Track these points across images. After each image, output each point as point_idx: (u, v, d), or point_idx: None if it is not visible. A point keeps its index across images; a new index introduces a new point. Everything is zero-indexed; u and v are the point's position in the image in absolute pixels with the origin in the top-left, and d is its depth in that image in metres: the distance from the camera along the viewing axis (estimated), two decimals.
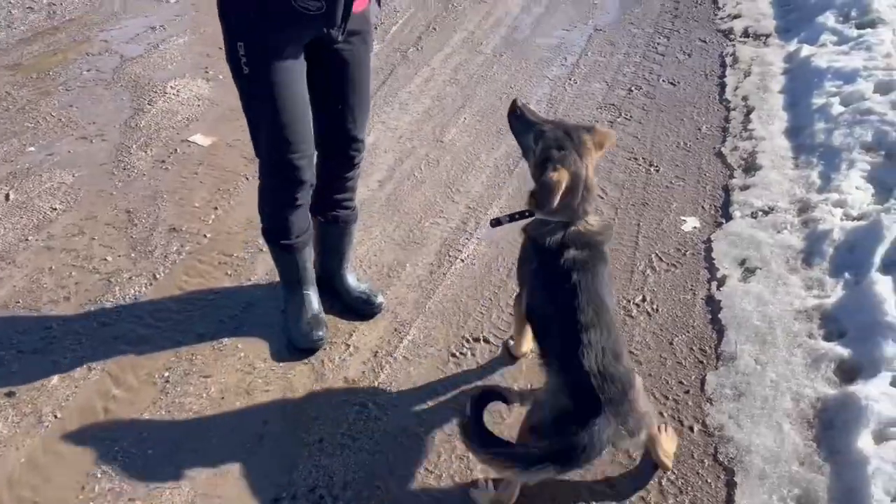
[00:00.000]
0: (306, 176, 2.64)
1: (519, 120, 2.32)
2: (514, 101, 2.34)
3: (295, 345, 2.89)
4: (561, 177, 2.12)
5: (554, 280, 2.21)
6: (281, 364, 2.84)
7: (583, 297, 2.15)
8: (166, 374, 2.79)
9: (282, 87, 2.41)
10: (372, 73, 2.72)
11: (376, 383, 2.76)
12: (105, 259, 3.36)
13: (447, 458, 2.47)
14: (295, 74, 2.43)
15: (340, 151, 2.80)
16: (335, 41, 2.44)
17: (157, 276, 3.26)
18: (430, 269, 3.33)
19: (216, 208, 3.71)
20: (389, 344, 2.93)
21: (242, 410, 2.66)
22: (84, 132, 4.35)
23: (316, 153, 2.68)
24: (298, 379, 2.77)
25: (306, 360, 2.84)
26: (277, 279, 3.22)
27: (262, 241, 3.41)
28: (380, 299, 3.06)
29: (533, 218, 2.33)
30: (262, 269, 3.30)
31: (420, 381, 2.77)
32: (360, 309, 3.05)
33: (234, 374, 2.79)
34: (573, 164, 2.16)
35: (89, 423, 2.60)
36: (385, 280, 3.25)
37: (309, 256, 2.91)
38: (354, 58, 2.56)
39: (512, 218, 2.40)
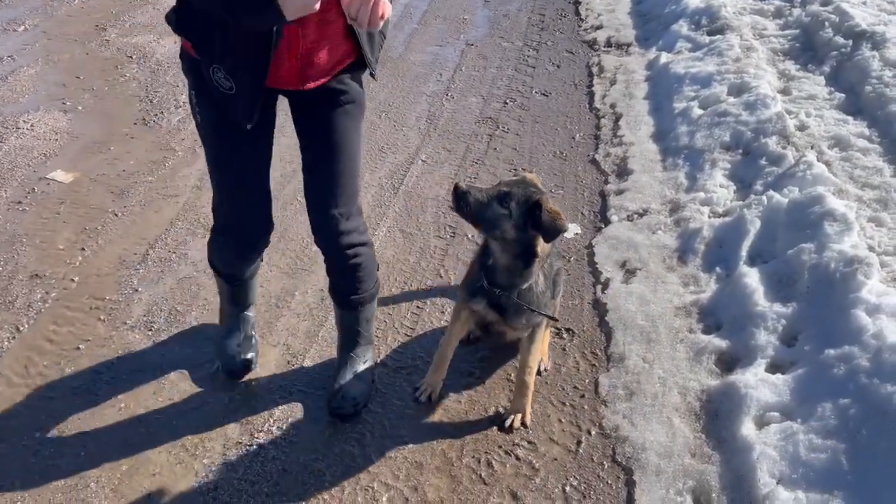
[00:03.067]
0: (247, 243, 2.60)
1: (472, 200, 2.23)
2: (457, 186, 2.24)
3: (223, 366, 2.78)
4: (558, 209, 2.24)
5: None
6: (166, 411, 2.67)
7: None
8: (37, 434, 2.57)
9: (221, 153, 2.37)
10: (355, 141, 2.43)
11: (272, 421, 2.65)
12: None
13: (352, 492, 2.40)
14: (237, 144, 2.31)
15: (319, 233, 2.52)
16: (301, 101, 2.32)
17: (21, 328, 3.01)
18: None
19: (83, 249, 3.46)
20: (283, 378, 2.82)
21: (127, 465, 2.48)
22: None
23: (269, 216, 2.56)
24: (187, 424, 2.62)
25: (195, 404, 2.69)
26: (155, 319, 3.06)
27: (136, 280, 3.25)
28: (352, 399, 2.68)
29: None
30: (139, 310, 3.10)
31: (318, 415, 2.68)
32: (331, 406, 2.69)
33: (115, 427, 2.60)
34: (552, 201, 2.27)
35: None
36: (274, 311, 3.14)
37: (253, 285, 2.84)
38: (323, 121, 2.34)
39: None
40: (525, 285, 2.41)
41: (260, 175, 2.46)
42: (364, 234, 2.59)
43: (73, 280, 3.27)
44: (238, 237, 2.58)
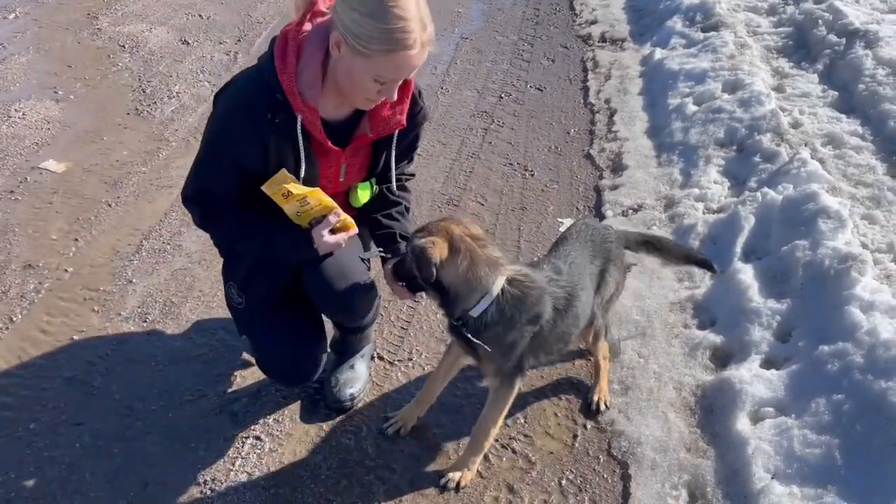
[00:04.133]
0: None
1: (399, 266, 2.27)
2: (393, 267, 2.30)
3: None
4: (431, 240, 2.10)
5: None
6: (162, 403, 2.66)
7: None
8: (32, 425, 2.55)
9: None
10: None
11: (268, 413, 2.64)
12: None
13: (348, 485, 2.40)
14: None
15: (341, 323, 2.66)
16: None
17: (14, 318, 2.98)
18: None
19: (76, 240, 3.44)
20: None
21: (123, 457, 2.47)
22: None
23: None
24: (182, 417, 2.61)
25: (191, 397, 2.68)
26: (150, 311, 3.05)
27: (130, 271, 3.23)
28: (349, 393, 2.67)
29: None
30: (133, 301, 3.09)
31: (314, 408, 2.67)
32: (327, 400, 2.69)
33: (110, 419, 2.59)
34: (439, 230, 2.15)
35: None
36: None
37: None
38: None
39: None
40: (469, 311, 2.18)
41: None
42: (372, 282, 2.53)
43: (66, 270, 3.24)
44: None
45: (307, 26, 2.08)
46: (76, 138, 4.22)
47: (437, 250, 2.10)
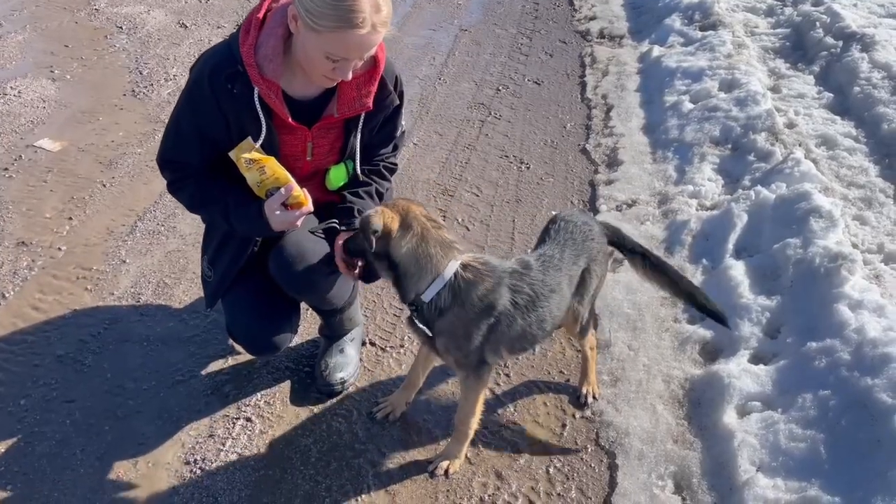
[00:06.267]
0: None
1: (351, 241, 2.21)
2: (345, 243, 2.24)
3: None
4: (380, 213, 2.07)
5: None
6: (153, 383, 2.66)
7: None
8: (23, 401, 2.55)
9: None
10: None
11: (259, 396, 2.65)
12: None
13: (338, 468, 2.42)
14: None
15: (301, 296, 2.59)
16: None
17: (6, 295, 2.98)
18: None
19: (70, 218, 3.43)
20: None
21: (113, 434, 2.47)
22: None
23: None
24: (174, 397, 2.61)
25: (183, 377, 2.69)
26: (143, 291, 3.05)
27: (124, 252, 3.23)
28: (339, 377, 2.68)
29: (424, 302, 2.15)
30: (126, 281, 3.09)
31: (305, 391, 2.69)
32: (318, 383, 2.70)
33: (101, 397, 2.59)
34: (396, 205, 2.13)
35: None
36: None
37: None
38: None
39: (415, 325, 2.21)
40: (421, 296, 2.15)
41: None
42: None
43: (59, 249, 3.24)
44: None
45: (276, 2, 2.14)
46: (72, 118, 4.20)
47: (385, 220, 2.07)
